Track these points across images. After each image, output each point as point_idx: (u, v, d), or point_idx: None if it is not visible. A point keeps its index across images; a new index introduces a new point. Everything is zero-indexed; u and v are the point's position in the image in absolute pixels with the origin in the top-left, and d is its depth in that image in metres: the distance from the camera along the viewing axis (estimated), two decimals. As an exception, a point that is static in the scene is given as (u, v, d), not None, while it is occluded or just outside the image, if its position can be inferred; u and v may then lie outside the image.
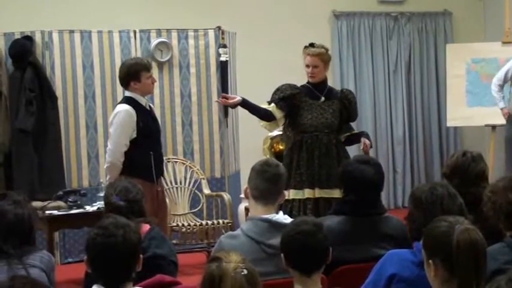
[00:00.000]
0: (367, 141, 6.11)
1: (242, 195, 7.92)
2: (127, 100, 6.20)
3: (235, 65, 8.73)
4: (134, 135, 6.08)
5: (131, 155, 6.07)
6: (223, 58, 8.31)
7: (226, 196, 7.85)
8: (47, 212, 6.57)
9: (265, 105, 6.08)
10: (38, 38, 7.92)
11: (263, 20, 9.80)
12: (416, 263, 3.25)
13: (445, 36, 10.73)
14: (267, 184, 3.95)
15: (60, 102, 7.86)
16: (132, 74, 6.14)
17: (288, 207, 5.89)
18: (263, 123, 6.17)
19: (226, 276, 2.69)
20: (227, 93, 8.08)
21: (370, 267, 3.51)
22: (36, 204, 6.31)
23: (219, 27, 8.36)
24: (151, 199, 5.85)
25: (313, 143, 6.03)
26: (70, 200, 6.74)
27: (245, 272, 2.71)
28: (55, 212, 6.63)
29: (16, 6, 8.68)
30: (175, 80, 8.27)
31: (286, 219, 3.89)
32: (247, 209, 6.86)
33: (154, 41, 8.18)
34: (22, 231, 3.73)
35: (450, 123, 9.94)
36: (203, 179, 8.02)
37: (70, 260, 7.84)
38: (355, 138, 6.34)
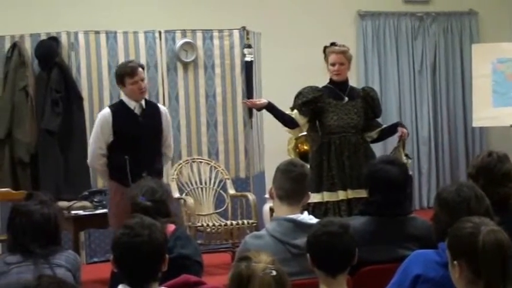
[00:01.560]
0: (405, 130, 6.14)
1: (267, 196, 7.92)
2: (116, 102, 6.30)
3: (260, 65, 8.74)
4: (111, 139, 6.05)
5: (109, 158, 6.08)
6: (248, 58, 8.31)
7: (251, 196, 7.84)
8: (73, 212, 6.61)
9: (288, 112, 6.07)
10: (63, 39, 7.97)
11: (288, 20, 9.79)
12: (441, 263, 3.23)
13: (471, 36, 10.68)
14: (292, 184, 3.95)
15: (85, 103, 7.90)
16: (117, 77, 6.15)
17: (322, 209, 5.87)
18: (287, 129, 6.16)
19: (254, 277, 2.67)
20: (252, 93, 8.11)
21: (395, 267, 3.49)
22: (62, 204, 6.36)
23: (243, 28, 8.36)
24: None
25: (342, 144, 6.00)
26: (95, 200, 6.78)
27: (274, 273, 2.69)
28: (80, 212, 6.67)
29: (42, 7, 8.73)
30: (200, 80, 8.29)
31: (311, 219, 3.89)
32: (271, 209, 6.85)
33: (179, 42, 8.20)
34: (48, 231, 3.75)
35: (476, 123, 9.88)
36: (228, 179, 8.02)
37: (95, 259, 7.88)
38: (387, 132, 6.32)
